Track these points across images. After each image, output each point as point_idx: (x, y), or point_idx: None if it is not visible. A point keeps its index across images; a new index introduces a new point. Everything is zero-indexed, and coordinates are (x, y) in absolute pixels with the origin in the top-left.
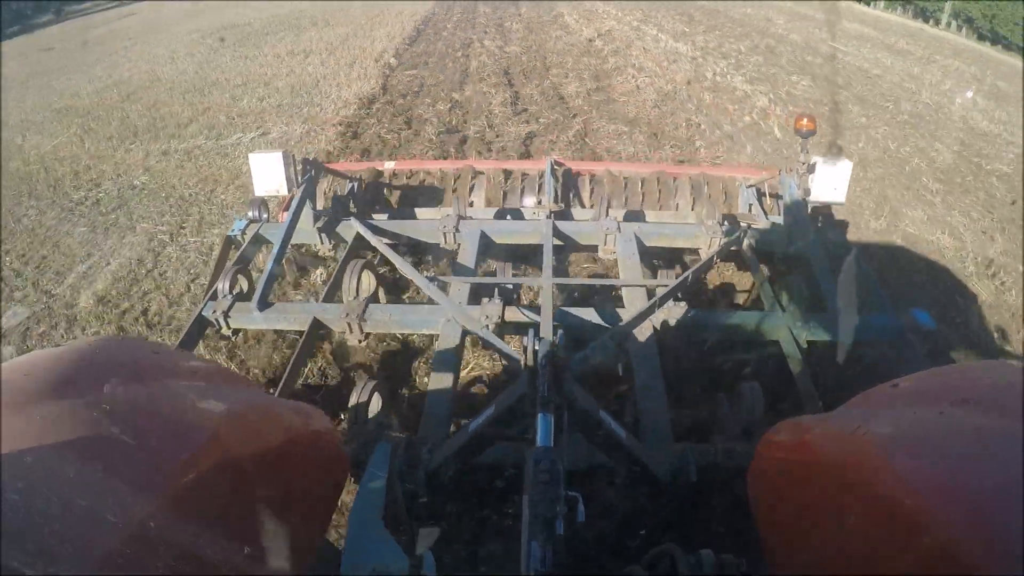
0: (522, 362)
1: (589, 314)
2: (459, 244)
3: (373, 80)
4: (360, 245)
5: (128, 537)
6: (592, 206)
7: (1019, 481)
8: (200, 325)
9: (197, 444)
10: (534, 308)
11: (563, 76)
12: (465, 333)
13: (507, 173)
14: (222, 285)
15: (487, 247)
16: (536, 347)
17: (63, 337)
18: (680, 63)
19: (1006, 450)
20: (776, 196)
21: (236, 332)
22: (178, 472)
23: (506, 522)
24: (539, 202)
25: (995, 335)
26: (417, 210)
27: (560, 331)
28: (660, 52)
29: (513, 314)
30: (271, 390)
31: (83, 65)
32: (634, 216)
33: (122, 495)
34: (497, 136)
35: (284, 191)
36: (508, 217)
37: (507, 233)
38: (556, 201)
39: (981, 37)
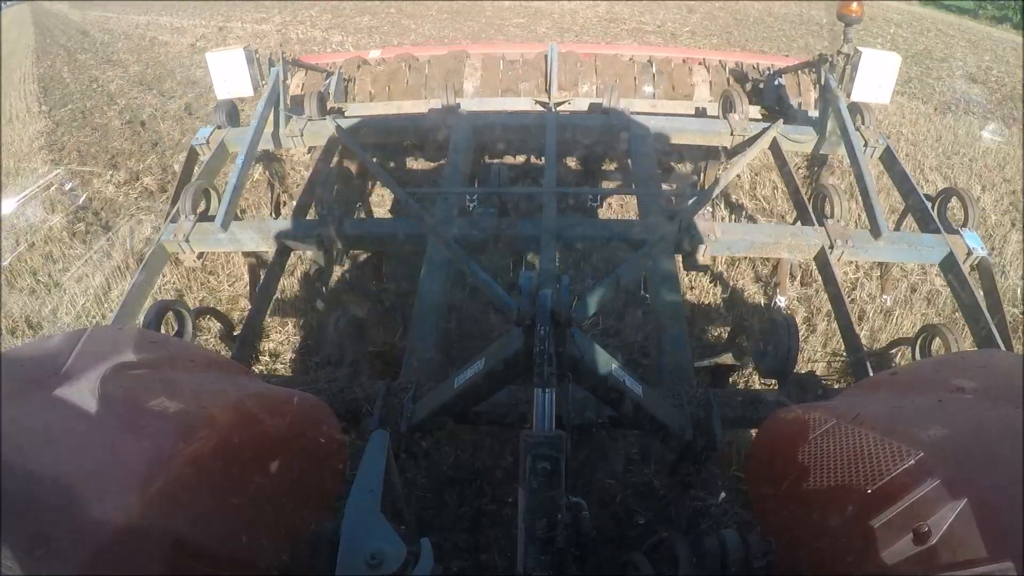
0: (518, 308)
1: (597, 229)
2: (448, 142)
3: (41, 121)
4: (337, 148)
5: (125, 524)
6: (599, 96)
7: (1017, 469)
8: (161, 254)
9: (193, 433)
10: (534, 221)
11: (189, 71)
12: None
13: (504, 59)
14: (183, 204)
15: (480, 146)
16: (532, 290)
17: None
18: (268, 37)
19: (1003, 437)
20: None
21: (201, 256)
22: (175, 461)
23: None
24: (543, 92)
25: None
26: (400, 102)
27: (565, 278)
28: (248, 35)
29: (510, 230)
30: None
31: None
32: (647, 108)
33: (118, 483)
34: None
35: (249, 92)
36: (505, 110)
37: (503, 129)
38: (556, 90)
39: None
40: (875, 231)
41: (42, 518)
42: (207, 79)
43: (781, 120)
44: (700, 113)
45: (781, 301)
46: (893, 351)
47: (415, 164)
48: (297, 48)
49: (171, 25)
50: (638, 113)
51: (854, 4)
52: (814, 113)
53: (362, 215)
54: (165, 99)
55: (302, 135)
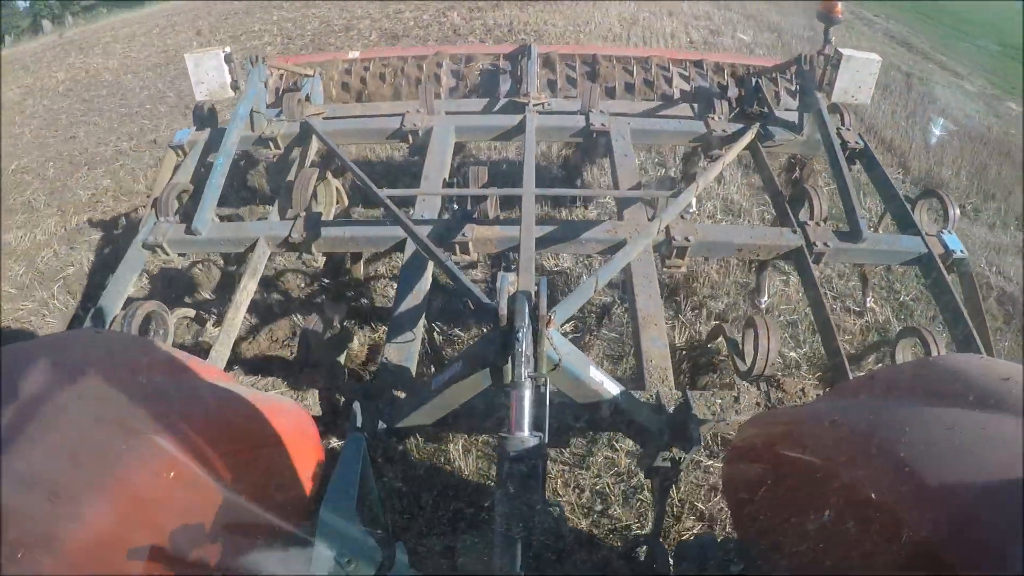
0: (496, 309)
1: (576, 230)
2: (426, 144)
3: None
4: (315, 150)
5: (101, 530)
6: (578, 97)
7: (993, 475)
8: (139, 255)
9: (171, 437)
10: (513, 222)
11: None
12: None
13: (480, 60)
14: (161, 205)
15: (459, 148)
16: (510, 292)
17: None
18: None
19: (979, 444)
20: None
21: (179, 256)
22: (152, 466)
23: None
24: (520, 93)
25: None
26: (378, 104)
27: (543, 279)
28: None
29: (489, 232)
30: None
31: None
32: (626, 109)
33: (95, 488)
34: None
35: (228, 93)
36: (482, 111)
37: (482, 130)
38: (535, 91)
39: None
40: (854, 233)
41: (17, 524)
42: None
43: (760, 121)
44: (679, 114)
45: (761, 302)
46: (873, 354)
47: (393, 165)
48: None
49: None
50: (617, 114)
51: (838, 5)
52: (794, 114)
53: (340, 216)
54: None
55: (280, 136)
